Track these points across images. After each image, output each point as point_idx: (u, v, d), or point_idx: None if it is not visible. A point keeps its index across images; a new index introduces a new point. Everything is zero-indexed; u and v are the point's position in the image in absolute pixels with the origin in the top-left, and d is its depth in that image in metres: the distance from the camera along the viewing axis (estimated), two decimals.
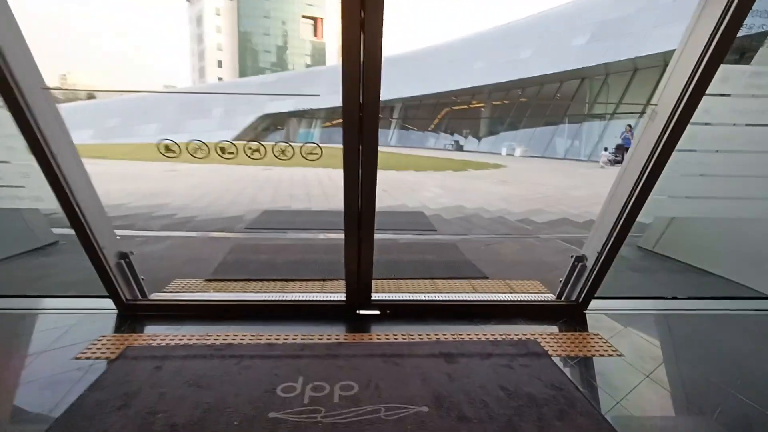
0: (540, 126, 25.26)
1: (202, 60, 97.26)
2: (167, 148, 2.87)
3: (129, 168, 12.32)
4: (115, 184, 8.52)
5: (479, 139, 28.78)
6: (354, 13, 1.88)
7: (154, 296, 2.84)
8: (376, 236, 2.65)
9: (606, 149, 16.18)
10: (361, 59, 1.98)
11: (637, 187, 2.37)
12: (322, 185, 9.24)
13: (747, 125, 2.31)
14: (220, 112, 41.85)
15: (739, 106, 2.21)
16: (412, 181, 10.02)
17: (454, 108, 31.89)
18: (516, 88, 26.93)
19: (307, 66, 76.06)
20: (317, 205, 6.94)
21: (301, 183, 9.51)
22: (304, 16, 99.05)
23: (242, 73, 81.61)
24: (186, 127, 42.47)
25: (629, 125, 17.55)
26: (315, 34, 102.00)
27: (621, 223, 2.52)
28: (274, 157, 3.41)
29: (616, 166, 15.97)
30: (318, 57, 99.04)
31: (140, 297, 2.73)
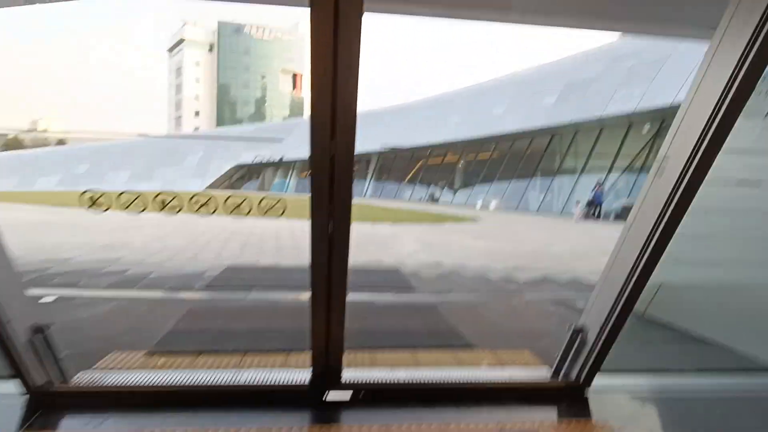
0: (513, 179, 25.79)
1: (179, 110, 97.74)
2: (92, 200, 2.46)
3: (88, 217, 11.66)
4: (67, 235, 7.92)
5: (455, 191, 29.12)
6: (327, 66, 1.67)
7: (79, 378, 2.34)
8: (349, 298, 2.25)
9: (578, 202, 16.42)
10: (334, 109, 1.71)
11: (646, 249, 2.10)
12: (294, 237, 8.84)
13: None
14: (194, 160, 41.43)
15: (748, 161, 2.01)
16: (388, 235, 9.73)
17: (429, 161, 32.46)
18: (490, 142, 27.70)
19: (285, 118, 77.16)
20: (288, 260, 6.51)
21: (272, 235, 9.09)
22: (283, 71, 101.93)
23: (220, 123, 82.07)
24: (158, 175, 41.72)
25: (599, 182, 18.01)
26: (294, 88, 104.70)
27: (628, 291, 2.23)
28: (227, 209, 3.01)
29: (589, 220, 16.19)
30: (296, 109, 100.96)
31: (58, 380, 2.23)
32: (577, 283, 5.60)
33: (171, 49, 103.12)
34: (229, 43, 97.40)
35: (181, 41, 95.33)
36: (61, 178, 45.58)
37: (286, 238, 8.71)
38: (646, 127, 19.39)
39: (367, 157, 35.30)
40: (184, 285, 4.68)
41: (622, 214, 16.32)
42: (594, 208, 16.46)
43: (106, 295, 4.28)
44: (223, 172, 39.59)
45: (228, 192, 37.12)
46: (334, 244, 2.06)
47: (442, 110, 29.48)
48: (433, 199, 28.22)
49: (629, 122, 19.75)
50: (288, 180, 39.66)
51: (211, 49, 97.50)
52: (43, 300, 4.09)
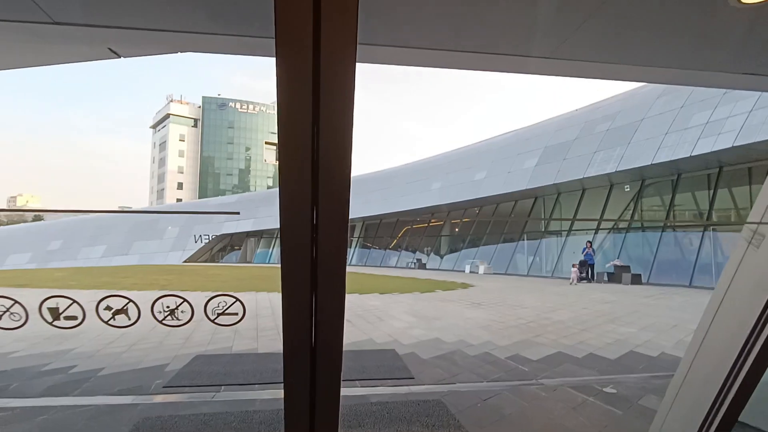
0: (500, 243, 25.53)
1: (162, 182, 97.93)
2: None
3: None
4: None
5: (441, 256, 28.64)
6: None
7: None
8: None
9: (575, 265, 16.00)
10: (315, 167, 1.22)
11: (752, 338, 1.53)
12: (274, 315, 8.04)
13: None
14: (174, 232, 40.50)
15: None
16: (378, 307, 9.00)
17: (414, 226, 32.25)
18: (473, 206, 27.75)
19: (269, 187, 77.59)
20: (266, 343, 5.73)
21: (249, 313, 8.28)
22: (267, 143, 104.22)
23: (202, 194, 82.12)
24: (136, 249, 40.49)
25: (589, 242, 17.78)
26: (278, 159, 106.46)
27: (731, 394, 1.62)
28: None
29: (582, 282, 15.70)
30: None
31: None
32: (595, 360, 4.95)
33: (155, 126, 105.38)
34: (213, 118, 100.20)
35: (166, 117, 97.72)
36: (32, 255, 43.97)
37: (266, 316, 7.92)
38: (626, 187, 19.66)
39: (351, 224, 34.98)
40: (136, 386, 3.88)
41: (615, 276, 15.94)
42: (586, 270, 16.03)
43: (37, 404, 3.47)
44: (203, 244, 38.59)
45: (226, 263, 36.06)
46: (321, 329, 1.48)
47: (424, 176, 29.72)
48: (421, 265, 27.61)
49: (610, 182, 20.02)
50: (271, 250, 38.79)
51: (195, 125, 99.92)
52: None
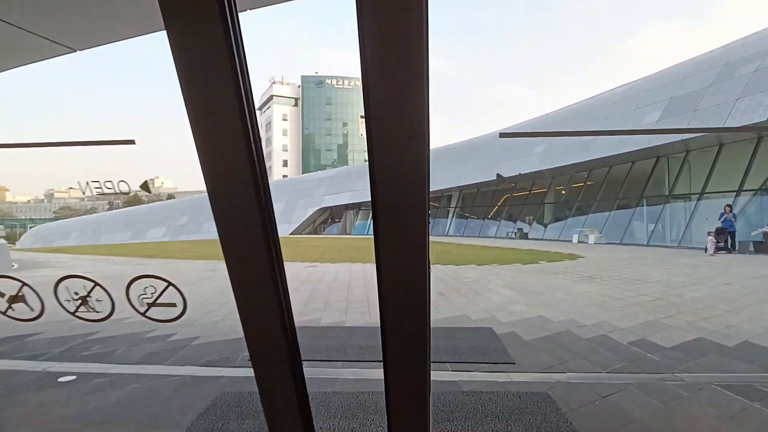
0: (613, 210, 23.03)
1: (269, 161, 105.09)
2: None
3: (167, 266, 11.75)
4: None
5: (545, 225, 26.75)
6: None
7: None
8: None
9: (711, 233, 13.71)
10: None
11: None
12: (367, 287, 7.86)
13: None
14: (280, 207, 43.15)
15: None
16: (475, 280, 8.40)
17: (514, 194, 30.50)
18: (581, 170, 25.30)
19: (365, 161, 78.82)
20: (355, 316, 5.50)
21: (344, 284, 8.21)
22: (362, 116, 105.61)
23: (305, 170, 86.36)
24: None
25: (729, 205, 15.11)
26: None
27: None
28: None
29: (720, 253, 13.40)
30: None
31: None
32: (753, 351, 3.91)
33: (261, 108, 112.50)
34: (312, 96, 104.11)
35: (270, 98, 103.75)
36: (166, 230, 50.03)
37: (358, 288, 7.76)
38: None
39: (448, 193, 34.13)
40: (222, 357, 3.82)
41: (765, 245, 13.35)
42: (725, 238, 13.65)
43: (131, 371, 3.55)
44: (306, 217, 40.59)
45: (329, 234, 37.88)
46: (407, 297, 1.48)
47: (525, 139, 27.67)
48: (522, 235, 26.06)
49: (758, 136, 16.69)
50: (369, 222, 39.62)
51: (296, 104, 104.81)
52: (62, 379, 3.45)
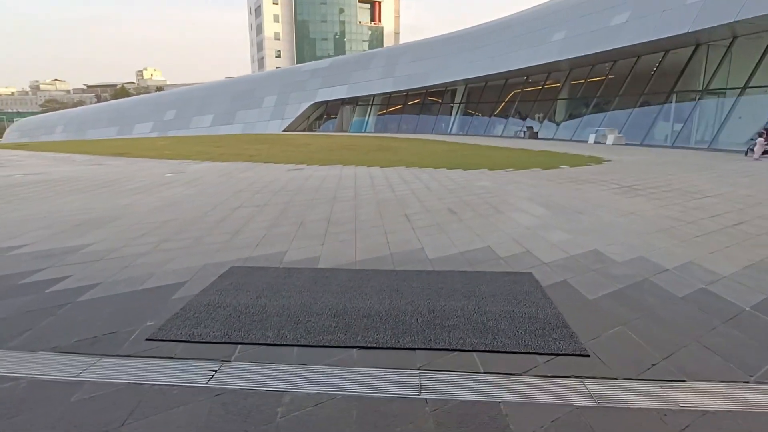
0: (636, 107, 20.79)
1: (261, 50, 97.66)
2: None
3: (130, 167, 10.11)
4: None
5: (557, 124, 24.61)
6: None
7: None
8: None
9: (762, 134, 11.84)
10: None
11: None
12: (358, 199, 6.32)
13: None
14: (272, 101, 40.17)
15: None
16: (491, 191, 6.83)
17: (525, 89, 27.79)
18: (604, 62, 22.49)
19: (363, 51, 73.04)
20: (335, 247, 4.01)
21: (329, 194, 6.65)
22: (361, 0, 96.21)
23: (299, 61, 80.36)
24: (239, 118, 41.32)
25: None
26: (373, 19, 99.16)
27: None
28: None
29: (765, 157, 11.68)
30: (376, 42, 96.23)
31: None
32: None
33: None
34: None
35: None
36: (153, 125, 47.47)
37: (346, 199, 6.25)
38: None
39: (452, 87, 31.22)
40: (114, 329, 2.36)
41: None
42: None
43: None
44: (299, 113, 37.89)
45: (324, 132, 35.43)
46: None
47: (543, 25, 24.28)
48: (532, 134, 24.00)
49: None
50: (366, 118, 37.02)
51: None
52: None
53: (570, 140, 21.93)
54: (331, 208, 5.50)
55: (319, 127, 40.11)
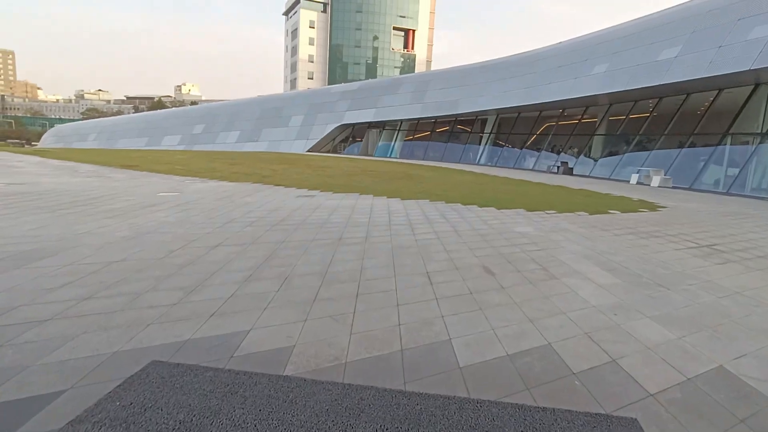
0: (685, 147, 19.19)
1: (294, 71, 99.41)
2: None
3: (130, 182, 9.17)
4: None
5: (595, 160, 23.09)
6: None
7: None
8: None
9: None
10: None
11: None
12: (369, 243, 5.11)
13: None
14: (298, 120, 39.84)
15: None
16: (534, 240, 5.52)
17: (560, 122, 26.47)
18: (648, 98, 21.07)
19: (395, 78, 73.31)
20: (324, 328, 2.79)
21: (335, 232, 5.47)
22: (395, 28, 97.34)
23: (331, 83, 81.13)
24: (264, 136, 41.09)
25: None
26: (406, 47, 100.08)
27: None
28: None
29: None
30: (407, 69, 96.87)
31: None
32: None
33: (287, 12, 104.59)
34: (342, 1, 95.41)
35: (297, 1, 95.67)
36: (182, 138, 47.83)
37: (356, 242, 5.04)
38: None
39: (482, 116, 30.11)
40: None
41: None
42: None
43: None
44: (325, 134, 37.33)
45: (348, 154, 34.58)
46: None
47: (583, 57, 23.12)
48: (567, 170, 22.51)
49: None
50: (393, 143, 36.10)
51: (324, 9, 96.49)
52: None
53: (608, 179, 20.40)
54: (331, 256, 4.29)
55: (343, 150, 39.44)
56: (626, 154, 21.56)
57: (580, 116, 25.01)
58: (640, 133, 21.42)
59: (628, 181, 18.48)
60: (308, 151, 36.50)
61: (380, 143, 37.20)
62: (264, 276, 3.58)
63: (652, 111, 21.20)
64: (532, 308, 3.17)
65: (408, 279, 3.70)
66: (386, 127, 36.83)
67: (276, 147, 38.63)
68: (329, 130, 37.51)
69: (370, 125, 36.88)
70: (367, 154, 36.29)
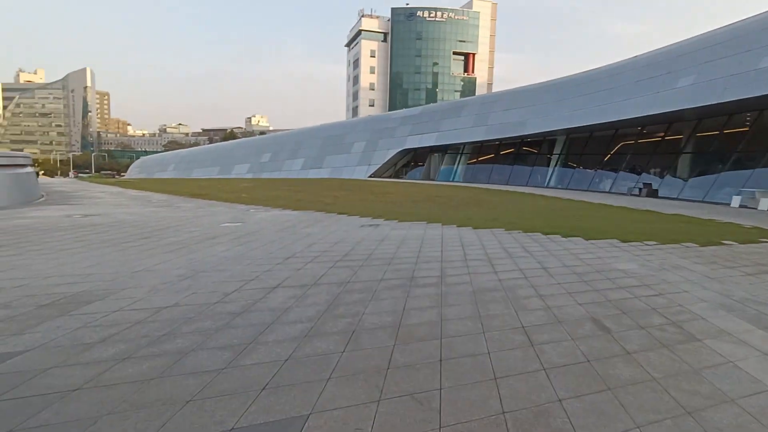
0: None
1: (356, 100, 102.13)
2: None
3: (196, 211, 9.18)
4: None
5: (684, 180, 20.90)
6: None
7: None
8: None
9: None
10: None
11: None
12: (446, 284, 4.44)
13: None
14: (360, 146, 40.28)
15: None
16: (645, 281, 4.56)
17: (639, 141, 24.47)
18: (746, 111, 18.85)
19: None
20: (397, 424, 2.12)
21: (406, 271, 4.85)
22: (455, 53, 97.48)
23: (391, 110, 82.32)
24: (327, 162, 41.91)
25: None
26: (466, 70, 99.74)
27: None
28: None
29: None
30: (468, 92, 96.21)
31: None
32: None
33: (349, 44, 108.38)
34: (401, 30, 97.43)
35: (358, 33, 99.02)
36: (250, 166, 50.05)
37: (430, 282, 4.38)
38: None
39: (551, 137, 28.57)
40: None
41: None
42: None
43: None
44: (386, 159, 37.33)
45: (410, 179, 34.35)
46: None
47: (664, 70, 21.28)
48: (650, 192, 20.50)
49: None
50: (455, 167, 35.28)
51: (384, 39, 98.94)
52: None
53: (701, 201, 18.26)
54: (404, 302, 3.65)
55: (405, 174, 39.19)
56: (722, 174, 19.26)
57: (662, 133, 22.94)
58: (738, 150, 19.12)
59: (728, 204, 16.36)
60: (370, 176, 36.61)
61: (442, 167, 36.53)
62: (327, 330, 3.01)
63: (751, 125, 18.90)
64: (682, 391, 2.32)
65: (501, 337, 2.97)
66: (449, 151, 36.17)
67: (339, 173, 39.19)
68: (390, 156, 37.49)
69: (432, 149, 36.40)
70: (429, 178, 35.73)
